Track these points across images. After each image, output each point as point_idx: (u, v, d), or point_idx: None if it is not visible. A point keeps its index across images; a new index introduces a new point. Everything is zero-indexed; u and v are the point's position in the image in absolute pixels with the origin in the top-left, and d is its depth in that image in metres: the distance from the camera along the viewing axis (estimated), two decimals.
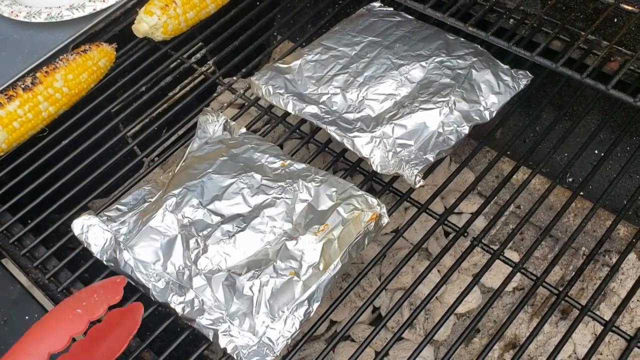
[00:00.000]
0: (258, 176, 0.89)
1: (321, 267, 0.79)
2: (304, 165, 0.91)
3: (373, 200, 0.85)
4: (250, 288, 0.78)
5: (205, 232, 0.84)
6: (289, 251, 0.81)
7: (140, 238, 0.84)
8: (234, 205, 0.86)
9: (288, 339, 0.75)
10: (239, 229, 0.84)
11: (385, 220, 0.84)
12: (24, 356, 0.71)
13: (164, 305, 0.80)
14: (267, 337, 0.75)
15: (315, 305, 0.78)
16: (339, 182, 0.88)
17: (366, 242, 0.83)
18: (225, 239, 0.83)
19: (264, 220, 0.84)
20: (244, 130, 0.99)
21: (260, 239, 0.83)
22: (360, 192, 0.86)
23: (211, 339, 0.76)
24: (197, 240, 0.83)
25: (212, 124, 1.00)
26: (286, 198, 0.86)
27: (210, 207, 0.86)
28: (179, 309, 0.78)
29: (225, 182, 0.88)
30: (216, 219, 0.85)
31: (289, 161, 0.92)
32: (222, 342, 0.75)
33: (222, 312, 0.77)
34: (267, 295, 0.78)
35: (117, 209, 0.90)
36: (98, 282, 0.84)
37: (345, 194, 0.86)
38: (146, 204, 0.90)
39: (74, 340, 0.74)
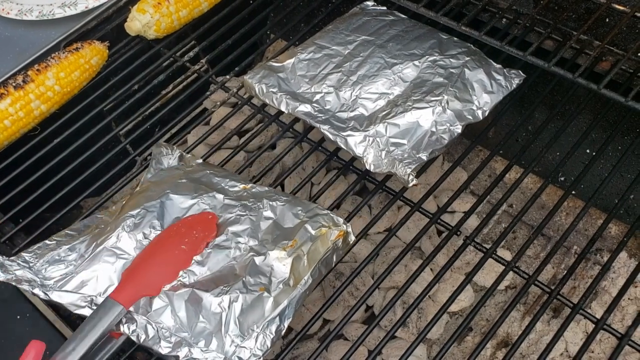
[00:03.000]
0: (220, 196, 0.86)
1: (291, 283, 0.77)
2: (266, 188, 0.88)
3: (339, 219, 0.83)
4: (219, 304, 0.74)
5: None
6: (258, 267, 0.78)
7: (92, 262, 0.79)
8: None
9: (260, 358, 0.72)
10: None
11: (352, 238, 0.83)
12: (144, 285, 0.76)
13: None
14: (237, 357, 0.71)
15: (287, 322, 0.74)
16: (304, 202, 0.86)
17: (334, 259, 0.81)
18: None
19: (228, 237, 0.81)
20: (199, 160, 0.95)
21: (226, 255, 0.79)
22: (325, 211, 0.84)
23: None
24: None
25: (167, 157, 0.96)
26: (251, 215, 0.83)
27: None
28: (133, 338, 0.74)
29: (186, 202, 0.85)
30: None
31: (250, 185, 0.89)
32: None
33: (185, 333, 0.73)
34: (237, 312, 0.74)
35: (67, 234, 0.86)
36: (190, 216, 0.83)
37: (311, 213, 0.84)
38: (98, 229, 0.85)
39: None
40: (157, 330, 0.73)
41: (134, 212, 0.84)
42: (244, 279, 0.77)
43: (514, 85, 0.98)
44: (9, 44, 1.20)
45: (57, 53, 1.09)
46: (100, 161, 1.03)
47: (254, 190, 0.88)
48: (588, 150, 1.17)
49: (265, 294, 0.75)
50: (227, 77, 1.17)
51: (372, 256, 0.89)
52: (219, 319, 0.74)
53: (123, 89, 1.13)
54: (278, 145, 1.30)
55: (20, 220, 0.97)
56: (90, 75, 1.12)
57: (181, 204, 0.85)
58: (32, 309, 0.89)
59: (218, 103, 1.19)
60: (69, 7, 1.20)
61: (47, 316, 0.87)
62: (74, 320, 0.87)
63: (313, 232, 0.81)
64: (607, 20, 1.05)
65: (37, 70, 1.05)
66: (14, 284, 0.80)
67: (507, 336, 1.07)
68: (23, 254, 0.83)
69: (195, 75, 1.20)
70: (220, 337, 0.73)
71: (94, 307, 0.76)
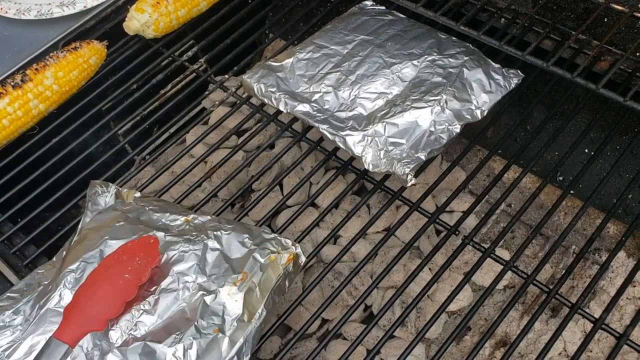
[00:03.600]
0: (161, 234, 0.81)
1: (245, 318, 0.74)
2: (209, 217, 0.85)
3: (287, 241, 0.81)
4: (174, 354, 0.71)
5: None
6: (209, 307, 0.75)
7: (38, 325, 0.75)
8: None
9: None
10: (149, 292, 0.77)
11: (303, 259, 0.81)
12: (89, 320, 0.72)
13: None
14: None
15: (246, 359, 0.73)
16: (249, 227, 0.84)
17: (287, 284, 0.79)
18: (136, 304, 0.75)
19: (174, 278, 0.77)
20: (138, 194, 0.92)
21: (174, 297, 0.76)
22: (272, 235, 0.82)
23: None
24: None
25: (103, 195, 0.91)
26: (194, 250, 0.79)
27: None
28: None
29: None
30: None
31: (192, 215, 0.85)
32: None
33: None
34: (193, 358, 0.71)
35: (9, 297, 0.82)
36: (131, 241, 0.80)
37: (258, 239, 0.81)
38: (41, 287, 0.81)
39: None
40: None
41: (73, 267, 0.79)
42: (195, 323, 0.74)
43: (513, 85, 0.98)
44: (7, 44, 1.19)
45: (55, 52, 1.09)
46: (98, 161, 1.03)
47: (196, 221, 0.85)
48: (587, 150, 1.17)
49: (220, 334, 0.73)
50: (226, 76, 1.17)
51: (370, 256, 0.89)
52: None
53: (121, 88, 1.13)
54: (277, 144, 1.30)
55: (19, 220, 0.97)
56: (89, 75, 1.12)
57: None
58: None
59: (217, 102, 1.18)
60: (67, 7, 1.20)
61: None
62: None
63: (262, 260, 0.79)
64: (605, 20, 1.05)
65: (36, 69, 1.05)
66: None
67: (505, 336, 1.07)
68: None
69: (194, 74, 1.20)
70: None
71: None
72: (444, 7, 1.06)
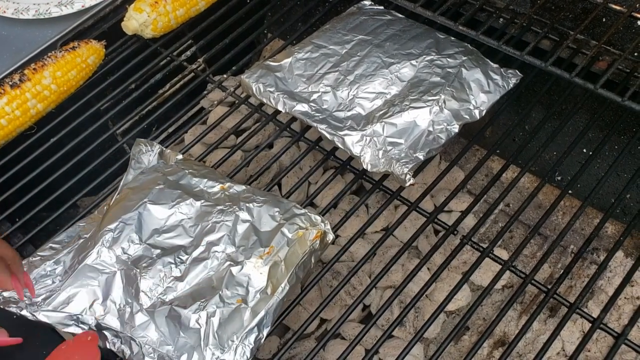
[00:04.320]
0: (197, 203, 0.85)
1: (269, 291, 0.77)
2: (244, 187, 0.88)
3: (317, 218, 0.83)
4: (197, 321, 0.75)
5: (145, 265, 0.80)
6: (235, 277, 0.78)
7: (76, 278, 0.80)
8: (174, 237, 0.83)
9: None
10: (181, 261, 0.80)
11: (331, 237, 0.83)
12: None
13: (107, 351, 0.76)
14: None
15: (266, 331, 0.75)
16: (281, 201, 0.86)
17: (313, 260, 0.81)
18: (167, 271, 0.79)
19: (206, 248, 0.81)
20: (180, 157, 0.95)
21: (204, 266, 0.80)
22: (302, 211, 0.84)
23: None
24: (136, 275, 0.79)
25: (147, 154, 0.95)
26: (226, 221, 0.83)
27: (150, 241, 0.82)
28: (119, 354, 0.75)
29: (163, 213, 0.84)
30: (156, 251, 0.81)
31: (228, 184, 0.88)
32: None
33: (169, 346, 0.74)
34: (215, 326, 0.75)
35: (51, 248, 0.86)
36: (69, 341, 0.77)
37: (288, 214, 0.83)
38: (81, 240, 0.85)
39: None
40: (141, 347, 0.74)
41: (112, 226, 0.83)
42: (220, 292, 0.77)
43: (511, 85, 0.98)
44: (5, 43, 1.19)
45: (53, 52, 1.09)
46: (97, 160, 1.03)
47: (231, 190, 0.88)
48: (585, 150, 1.17)
49: (243, 305, 0.76)
50: (224, 76, 1.17)
51: (369, 255, 0.89)
52: (198, 334, 0.74)
53: (120, 88, 1.13)
54: (275, 144, 1.30)
55: (17, 220, 0.97)
56: (87, 74, 1.12)
57: (159, 214, 0.84)
58: None
59: (215, 102, 1.18)
60: (65, 6, 1.20)
61: None
62: None
63: (290, 235, 0.81)
64: (603, 20, 1.05)
65: (34, 69, 1.05)
66: (0, 307, 0.79)
67: (503, 335, 1.07)
68: None
69: (192, 74, 1.20)
70: (201, 351, 0.73)
71: (81, 325, 0.77)
72: (442, 7, 1.06)
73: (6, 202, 0.99)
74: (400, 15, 1.12)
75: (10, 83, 1.02)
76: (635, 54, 1.02)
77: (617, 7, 1.01)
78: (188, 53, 1.21)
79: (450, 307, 1.09)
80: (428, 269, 1.10)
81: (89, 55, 1.11)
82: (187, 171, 0.91)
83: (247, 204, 0.85)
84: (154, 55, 1.17)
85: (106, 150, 1.05)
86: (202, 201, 0.86)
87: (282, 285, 0.77)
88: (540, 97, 1.06)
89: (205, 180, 0.89)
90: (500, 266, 0.87)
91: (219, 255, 0.80)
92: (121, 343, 0.75)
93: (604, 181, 0.93)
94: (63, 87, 1.07)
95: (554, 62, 0.96)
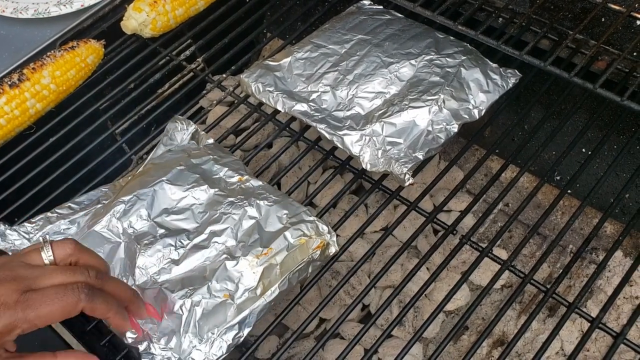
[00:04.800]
0: (211, 190, 0.86)
1: (258, 291, 0.77)
2: (260, 183, 0.88)
3: (324, 228, 0.82)
4: (181, 307, 0.75)
5: (146, 242, 0.81)
6: (227, 271, 0.78)
7: (83, 242, 0.80)
8: (181, 220, 0.84)
9: None
10: (181, 244, 0.81)
11: (333, 249, 0.81)
12: None
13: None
14: (191, 358, 0.73)
15: (246, 331, 0.75)
16: (293, 204, 0.85)
17: (310, 269, 0.80)
18: (166, 252, 0.80)
19: (208, 236, 0.81)
20: (211, 140, 0.96)
21: (201, 254, 0.80)
22: (312, 218, 0.83)
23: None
24: (136, 250, 0.80)
25: (181, 132, 0.97)
26: (234, 214, 0.83)
27: (158, 219, 0.84)
28: (106, 322, 0.75)
29: (176, 194, 0.86)
30: (161, 231, 0.82)
31: (246, 176, 0.89)
32: None
33: (152, 325, 0.74)
34: (198, 315, 0.75)
35: (69, 207, 0.88)
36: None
37: (296, 218, 0.83)
38: (99, 205, 0.87)
39: None
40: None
41: (125, 198, 0.85)
42: (210, 283, 0.77)
43: (510, 85, 0.98)
44: (4, 42, 1.19)
45: (52, 51, 1.09)
46: (96, 160, 1.03)
47: (247, 184, 0.88)
48: (584, 150, 1.17)
49: (229, 300, 0.76)
50: (224, 75, 1.17)
51: (368, 255, 0.89)
52: (180, 319, 0.75)
53: (119, 87, 1.13)
54: (274, 144, 1.30)
55: (16, 220, 0.97)
56: (86, 74, 1.12)
57: (172, 194, 0.86)
58: None
59: (214, 102, 1.18)
60: (64, 5, 1.20)
61: None
62: (70, 320, 0.86)
63: (292, 240, 0.80)
64: (603, 19, 1.05)
65: (33, 68, 1.05)
66: (10, 254, 0.81)
67: (503, 335, 1.07)
68: (25, 224, 0.86)
69: (192, 74, 1.20)
70: (179, 337, 0.74)
71: None
72: (441, 6, 1.06)
73: (5, 201, 0.99)
74: (400, 15, 1.12)
75: (9, 82, 1.02)
76: (635, 53, 1.02)
77: (616, 7, 1.01)
78: (187, 52, 1.21)
79: (450, 306, 1.09)
80: (427, 268, 1.10)
81: (88, 54, 1.11)
82: (211, 157, 0.92)
83: (258, 201, 0.85)
84: (153, 55, 1.17)
85: (105, 149, 1.05)
86: (216, 189, 0.86)
87: (273, 288, 0.76)
88: (540, 96, 1.06)
89: (226, 169, 0.90)
90: (500, 266, 0.87)
91: (218, 246, 0.81)
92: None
93: (603, 181, 0.93)
94: (62, 87, 1.07)
95: (553, 62, 0.96)
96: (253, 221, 0.83)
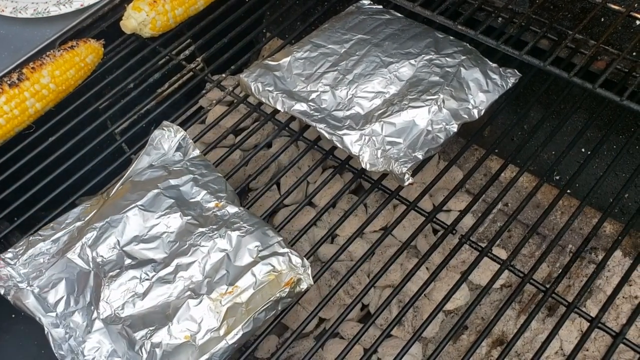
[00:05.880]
0: (184, 219, 0.84)
1: (222, 332, 0.74)
2: (237, 210, 0.85)
3: (297, 261, 0.78)
4: (141, 347, 0.74)
5: (112, 274, 0.79)
6: (190, 310, 0.75)
7: (57, 267, 0.82)
8: (150, 249, 0.82)
9: None
10: (146, 277, 0.79)
11: (305, 285, 0.77)
12: None
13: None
14: None
15: None
16: (267, 234, 0.81)
17: (279, 307, 0.78)
18: (131, 285, 0.79)
19: (174, 270, 0.79)
20: (197, 152, 0.94)
21: (166, 288, 0.78)
22: (285, 250, 0.79)
23: None
24: (102, 282, 0.79)
25: (168, 140, 0.95)
26: (202, 246, 0.81)
27: (127, 248, 0.82)
28: None
29: (149, 221, 0.84)
30: (128, 261, 0.81)
31: (223, 202, 0.86)
32: None
33: (119, 358, 0.74)
34: (158, 357, 0.73)
35: (52, 228, 0.88)
36: None
37: (268, 251, 0.79)
38: (79, 223, 0.87)
39: None
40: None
41: (97, 225, 0.84)
42: (170, 324, 0.75)
43: (510, 84, 0.98)
44: (3, 42, 1.19)
45: (52, 51, 1.09)
46: (95, 160, 1.03)
47: (223, 210, 0.85)
48: (583, 149, 1.18)
49: (191, 342, 0.74)
50: (223, 75, 1.17)
51: (367, 255, 0.89)
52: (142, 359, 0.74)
53: (118, 87, 1.13)
54: (274, 144, 1.30)
55: (16, 219, 0.97)
56: (86, 74, 1.12)
57: (145, 221, 0.84)
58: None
59: (214, 101, 1.18)
60: (64, 5, 1.20)
61: None
62: None
63: (260, 277, 0.77)
64: (602, 19, 1.06)
65: (32, 68, 1.05)
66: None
67: (502, 334, 1.07)
68: (9, 250, 0.86)
69: (191, 73, 1.20)
70: None
71: (52, 316, 0.78)
72: (441, 6, 1.07)
73: (4, 201, 0.99)
74: (399, 15, 1.11)
75: (9, 82, 1.02)
76: (634, 53, 1.02)
77: (616, 7, 1.01)
78: (187, 52, 1.21)
79: (449, 306, 1.09)
80: (427, 268, 1.10)
81: (87, 54, 1.11)
82: (192, 176, 0.89)
83: (230, 232, 0.81)
84: (152, 55, 1.17)
85: (105, 149, 1.05)
86: (189, 217, 0.84)
87: (236, 330, 0.74)
88: (539, 96, 1.06)
89: (205, 192, 0.87)
90: (499, 265, 0.87)
91: (184, 281, 0.78)
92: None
93: (602, 181, 0.93)
94: (61, 86, 1.07)
95: (552, 62, 0.96)
96: (222, 254, 0.80)
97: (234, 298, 0.76)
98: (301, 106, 0.96)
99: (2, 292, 0.81)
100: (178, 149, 0.95)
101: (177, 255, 0.81)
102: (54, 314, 0.78)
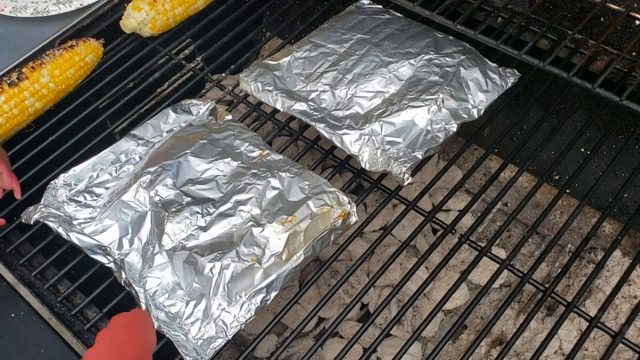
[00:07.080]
0: (234, 163, 0.89)
1: (284, 257, 0.79)
2: (281, 157, 0.91)
3: (344, 198, 0.85)
4: (211, 270, 0.78)
5: (174, 210, 0.84)
6: (254, 237, 0.81)
7: (112, 211, 0.86)
8: (206, 190, 0.87)
9: (242, 324, 0.75)
10: (207, 212, 0.84)
11: (354, 219, 0.84)
12: None
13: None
14: (222, 320, 0.75)
15: (273, 294, 0.77)
16: (313, 176, 0.88)
17: (332, 238, 0.83)
18: (193, 219, 0.84)
19: (233, 205, 0.85)
20: (230, 117, 1.00)
21: (227, 222, 0.83)
22: (332, 189, 0.86)
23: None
24: (164, 217, 0.83)
25: (197, 107, 1.01)
26: (257, 184, 0.87)
27: (183, 189, 0.87)
28: (142, 299, 0.78)
29: (201, 166, 0.89)
30: (187, 199, 0.86)
31: (267, 151, 0.92)
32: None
33: (181, 290, 0.78)
34: (227, 278, 0.78)
35: (94, 167, 0.94)
36: (125, 313, 0.77)
37: (318, 189, 0.86)
38: (131, 167, 0.92)
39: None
40: (154, 293, 0.78)
41: (151, 169, 0.89)
42: (238, 248, 0.80)
43: (509, 84, 0.99)
44: (3, 41, 1.19)
45: (51, 50, 1.09)
46: None
47: (269, 157, 0.91)
48: (583, 149, 1.18)
49: (257, 264, 0.79)
50: (223, 75, 1.17)
51: (367, 254, 0.89)
52: (210, 282, 0.77)
53: (118, 86, 1.13)
54: (273, 143, 1.30)
55: (16, 219, 0.97)
56: (85, 73, 1.12)
57: (197, 166, 0.90)
58: (26, 306, 0.88)
59: (213, 101, 1.18)
60: (63, 5, 1.20)
61: (41, 314, 0.87)
62: (68, 319, 0.87)
63: (314, 209, 0.83)
64: (601, 19, 1.06)
65: (32, 67, 1.05)
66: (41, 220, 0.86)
67: (501, 334, 1.07)
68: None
69: (191, 73, 1.20)
70: (209, 299, 0.77)
71: (108, 257, 0.82)
72: (440, 6, 1.06)
73: (4, 200, 0.99)
74: (399, 14, 1.12)
75: (8, 81, 1.02)
76: (633, 53, 1.02)
77: (615, 7, 1.01)
78: (186, 52, 1.21)
79: (448, 306, 1.09)
80: (426, 267, 1.10)
81: (87, 53, 1.11)
82: (232, 132, 0.95)
83: (281, 173, 0.88)
84: (152, 54, 1.17)
85: (104, 149, 1.05)
86: (239, 162, 0.90)
87: (298, 254, 0.79)
88: (539, 96, 1.06)
89: (247, 144, 0.93)
90: (498, 265, 0.88)
91: (243, 214, 0.84)
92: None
93: (601, 180, 0.94)
94: (61, 86, 1.07)
95: (552, 62, 0.96)
96: (276, 191, 0.86)
97: (294, 226, 0.82)
98: (301, 106, 0.96)
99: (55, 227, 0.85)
100: (211, 114, 1.00)
101: (235, 193, 0.86)
102: (112, 257, 0.82)
